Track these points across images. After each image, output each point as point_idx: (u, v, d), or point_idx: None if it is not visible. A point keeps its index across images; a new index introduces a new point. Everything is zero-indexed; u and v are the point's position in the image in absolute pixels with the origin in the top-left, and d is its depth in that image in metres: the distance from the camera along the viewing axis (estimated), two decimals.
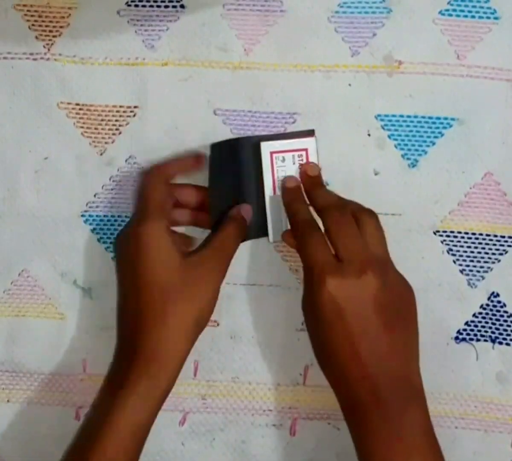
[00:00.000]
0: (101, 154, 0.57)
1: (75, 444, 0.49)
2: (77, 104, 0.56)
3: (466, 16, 0.55)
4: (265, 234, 0.55)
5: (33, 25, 0.55)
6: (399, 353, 0.49)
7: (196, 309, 0.50)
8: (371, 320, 0.48)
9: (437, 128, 0.56)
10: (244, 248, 0.56)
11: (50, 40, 0.55)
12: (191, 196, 0.55)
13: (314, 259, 0.49)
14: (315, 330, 0.50)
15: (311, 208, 0.53)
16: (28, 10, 0.55)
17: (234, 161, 0.55)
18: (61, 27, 0.55)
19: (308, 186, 0.54)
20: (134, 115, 0.56)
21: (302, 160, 0.54)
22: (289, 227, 0.54)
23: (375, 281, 0.48)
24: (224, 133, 0.56)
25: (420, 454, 0.46)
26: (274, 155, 0.54)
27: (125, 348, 0.50)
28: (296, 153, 0.54)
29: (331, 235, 0.49)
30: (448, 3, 0.55)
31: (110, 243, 0.57)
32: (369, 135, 0.56)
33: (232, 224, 0.53)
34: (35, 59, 0.56)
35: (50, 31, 0.55)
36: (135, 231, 0.50)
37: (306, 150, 0.54)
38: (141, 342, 0.49)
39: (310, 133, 0.55)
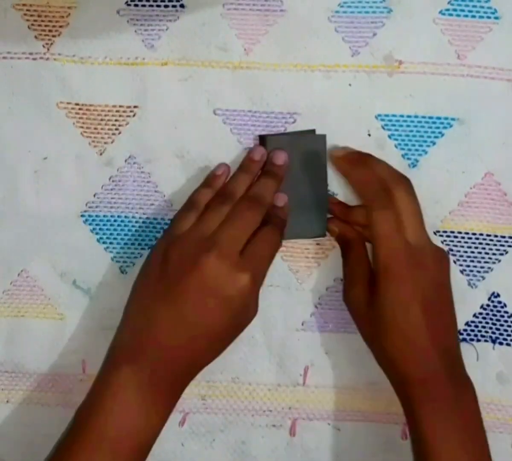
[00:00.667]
0: (100, 154, 0.57)
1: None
2: (77, 104, 0.56)
3: (466, 15, 0.55)
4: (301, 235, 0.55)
5: (32, 24, 0.55)
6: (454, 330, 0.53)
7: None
8: (435, 299, 0.51)
9: (438, 128, 0.56)
10: None
11: (49, 39, 0.55)
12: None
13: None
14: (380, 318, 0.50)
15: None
16: (27, 10, 0.55)
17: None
18: (60, 26, 0.55)
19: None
20: (134, 115, 0.56)
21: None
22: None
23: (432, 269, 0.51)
24: (224, 133, 0.56)
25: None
26: None
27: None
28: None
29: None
30: (449, 2, 0.55)
31: (110, 243, 0.57)
32: (369, 135, 0.56)
33: (270, 230, 0.52)
34: (34, 59, 0.56)
35: (50, 30, 0.55)
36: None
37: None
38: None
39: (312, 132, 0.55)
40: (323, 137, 0.55)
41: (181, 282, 0.49)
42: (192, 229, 0.51)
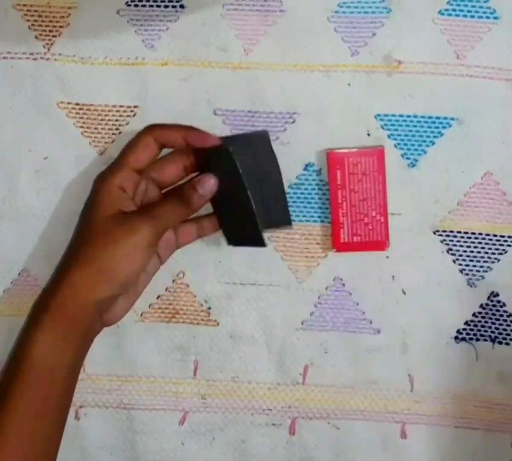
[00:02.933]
0: (101, 154, 0.57)
1: None
2: (77, 104, 0.56)
3: (465, 15, 0.55)
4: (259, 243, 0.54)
5: (33, 25, 0.55)
6: None
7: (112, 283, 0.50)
8: None
9: (437, 127, 0.56)
10: (244, 248, 0.56)
11: (50, 39, 0.56)
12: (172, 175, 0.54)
13: None
14: None
15: None
16: (28, 10, 0.55)
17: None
18: (61, 26, 0.55)
19: None
20: (134, 115, 0.56)
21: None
22: None
23: None
24: (224, 133, 0.56)
25: None
26: None
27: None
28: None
29: None
30: (448, 2, 0.55)
31: None
32: (368, 134, 0.56)
33: (175, 198, 0.52)
34: (35, 59, 0.56)
35: (50, 30, 0.55)
36: (95, 180, 0.52)
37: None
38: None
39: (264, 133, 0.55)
40: (265, 132, 0.54)
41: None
42: None
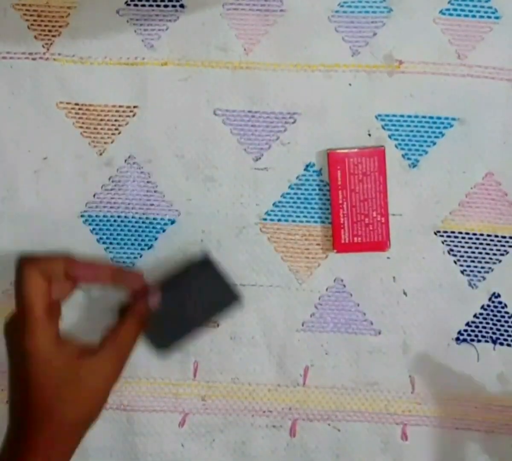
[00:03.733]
0: (100, 154, 0.56)
1: None
2: (77, 104, 0.56)
3: (466, 15, 0.55)
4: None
5: (32, 24, 0.55)
6: None
7: (86, 412, 0.49)
8: None
9: (438, 128, 0.56)
10: (244, 248, 0.56)
11: (49, 39, 0.55)
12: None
13: None
14: None
15: None
16: (27, 10, 0.55)
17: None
18: (60, 26, 0.55)
19: None
20: (133, 115, 0.56)
21: None
22: None
23: None
24: (224, 133, 0.56)
25: None
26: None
27: (15, 436, 0.48)
28: None
29: None
30: (449, 2, 0.55)
31: (110, 243, 0.57)
32: (369, 135, 0.56)
33: (134, 321, 0.51)
34: (34, 59, 0.56)
35: (49, 30, 0.55)
36: (22, 344, 0.47)
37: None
38: (30, 435, 0.47)
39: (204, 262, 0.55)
40: (206, 256, 0.54)
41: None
42: None
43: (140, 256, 0.57)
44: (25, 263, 0.48)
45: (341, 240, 0.56)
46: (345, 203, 0.55)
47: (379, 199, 0.55)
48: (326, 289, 0.57)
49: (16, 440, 0.48)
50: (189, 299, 0.53)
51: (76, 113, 0.56)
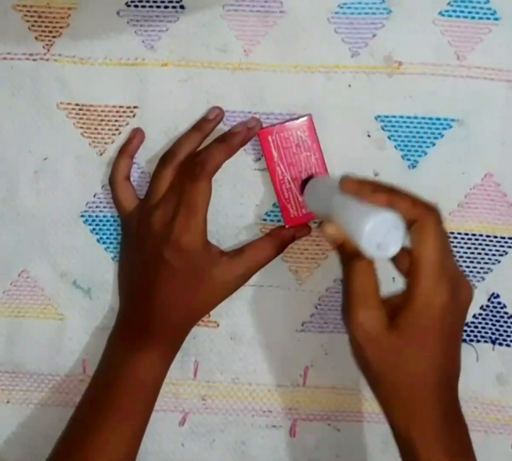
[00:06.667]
0: (100, 154, 0.57)
1: (87, 397, 0.53)
2: (77, 105, 0.56)
3: (466, 16, 0.55)
4: None
5: (32, 25, 0.55)
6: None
7: (206, 304, 0.54)
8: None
9: (437, 129, 0.56)
10: None
11: (49, 40, 0.55)
12: None
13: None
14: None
15: None
16: (27, 11, 0.55)
17: None
18: (60, 27, 0.55)
19: None
20: (133, 115, 0.56)
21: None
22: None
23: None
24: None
25: None
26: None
27: (138, 326, 0.53)
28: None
29: None
30: (448, 3, 0.55)
31: (110, 243, 0.57)
32: (369, 136, 0.56)
33: (275, 242, 0.55)
34: (34, 60, 0.56)
35: (50, 31, 0.55)
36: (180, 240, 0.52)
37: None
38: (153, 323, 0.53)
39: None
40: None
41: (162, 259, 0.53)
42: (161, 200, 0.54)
43: None
44: (206, 176, 0.52)
45: (290, 215, 0.55)
46: (285, 178, 0.55)
47: (317, 166, 0.55)
48: (326, 290, 0.57)
49: (139, 329, 0.53)
50: None
51: (77, 114, 0.56)
